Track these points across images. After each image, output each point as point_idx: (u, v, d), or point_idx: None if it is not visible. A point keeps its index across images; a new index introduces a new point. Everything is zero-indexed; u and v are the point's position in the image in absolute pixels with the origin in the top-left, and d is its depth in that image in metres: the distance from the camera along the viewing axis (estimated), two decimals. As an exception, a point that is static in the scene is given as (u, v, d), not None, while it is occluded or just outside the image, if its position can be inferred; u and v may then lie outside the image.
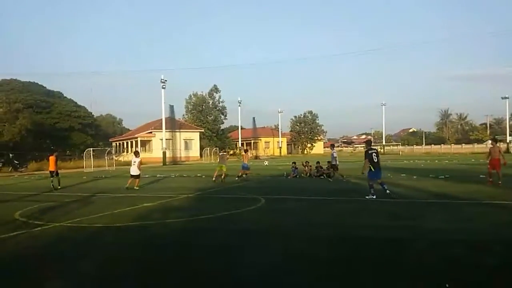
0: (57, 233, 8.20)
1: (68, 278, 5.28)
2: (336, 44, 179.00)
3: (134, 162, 17.69)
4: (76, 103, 64.75)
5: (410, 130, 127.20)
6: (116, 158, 49.44)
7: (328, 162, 20.88)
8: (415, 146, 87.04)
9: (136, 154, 18.66)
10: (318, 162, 21.87)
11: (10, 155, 40.51)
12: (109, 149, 50.67)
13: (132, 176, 17.46)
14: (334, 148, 21.16)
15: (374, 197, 12.10)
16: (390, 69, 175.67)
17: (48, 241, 7.54)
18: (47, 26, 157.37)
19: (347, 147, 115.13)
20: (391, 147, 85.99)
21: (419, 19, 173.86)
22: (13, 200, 14.29)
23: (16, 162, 38.81)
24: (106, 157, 43.25)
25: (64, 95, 66.59)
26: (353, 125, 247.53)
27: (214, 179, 19.92)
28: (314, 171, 21.26)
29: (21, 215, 10.47)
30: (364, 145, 20.07)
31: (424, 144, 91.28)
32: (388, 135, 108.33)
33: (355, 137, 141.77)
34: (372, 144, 13.07)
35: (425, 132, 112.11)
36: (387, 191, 12.17)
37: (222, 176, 20.15)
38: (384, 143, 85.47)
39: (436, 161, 39.82)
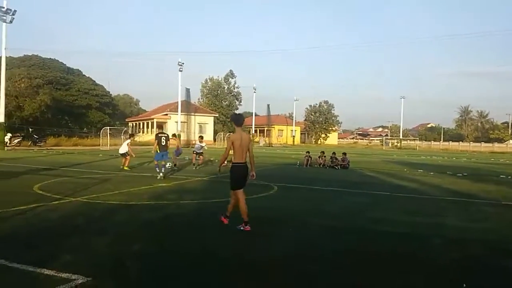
0: (73, 208, 8.33)
1: (82, 252, 5.36)
2: (356, 34, 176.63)
3: (125, 142, 18.59)
4: (94, 81, 65.29)
5: (429, 125, 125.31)
6: (132, 138, 49.85)
7: None
8: (432, 142, 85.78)
9: (130, 136, 20.13)
10: (333, 153, 21.78)
11: (30, 129, 41.24)
12: (125, 128, 51.17)
13: (121, 154, 18.05)
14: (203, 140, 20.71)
15: (161, 174, 13.70)
16: (410, 62, 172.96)
17: (65, 215, 7.66)
18: (68, 3, 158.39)
19: (363, 139, 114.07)
20: (408, 141, 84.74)
21: (443, 12, 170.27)
22: (32, 173, 14.56)
23: (36, 136, 39.49)
24: (122, 136, 43.63)
25: (83, 73, 67.27)
26: (369, 117, 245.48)
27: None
28: (329, 161, 21.16)
29: (40, 188, 10.68)
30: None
31: (442, 140, 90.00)
32: (406, 129, 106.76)
33: (371, 130, 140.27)
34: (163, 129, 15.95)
35: (443, 128, 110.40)
36: (160, 174, 13.70)
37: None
38: (401, 137, 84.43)
39: (454, 158, 39.24)
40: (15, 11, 33.63)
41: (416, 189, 13.28)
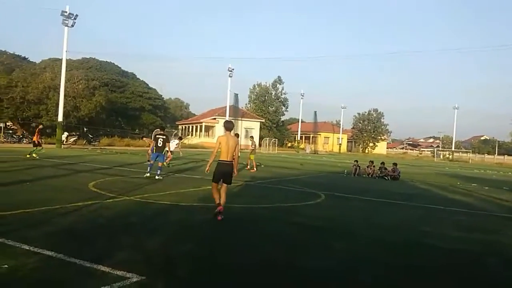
0: (127, 206, 8.61)
1: (136, 251, 5.51)
2: (408, 42, 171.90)
3: (173, 141, 20.34)
4: (147, 85, 67.50)
5: (482, 138, 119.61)
6: (181, 141, 51.04)
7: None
8: (486, 155, 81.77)
9: (180, 139, 21.85)
10: (382, 163, 21.24)
11: (85, 129, 43.21)
12: (176, 131, 52.49)
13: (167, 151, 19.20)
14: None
15: (148, 175, 13.93)
16: (464, 71, 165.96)
17: (118, 213, 7.93)
18: (125, 9, 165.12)
19: (413, 149, 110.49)
20: (460, 154, 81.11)
21: (496, 22, 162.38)
22: (87, 171, 15.22)
23: (90, 136, 41.33)
24: (172, 138, 44.77)
25: (137, 76, 69.72)
26: (420, 127, 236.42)
27: (248, 168, 20.14)
28: (378, 171, 20.64)
29: (95, 186, 11.12)
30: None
31: (496, 154, 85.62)
32: (458, 141, 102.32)
33: (422, 140, 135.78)
34: (165, 130, 15.88)
35: (498, 141, 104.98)
36: (148, 174, 13.98)
37: (248, 166, 20.23)
38: (453, 148, 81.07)
39: (510, 173, 37.16)
40: (76, 15, 35.47)
41: (470, 204, 12.70)
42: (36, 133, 20.77)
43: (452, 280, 5.21)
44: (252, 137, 24.72)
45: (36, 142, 20.34)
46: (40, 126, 22.37)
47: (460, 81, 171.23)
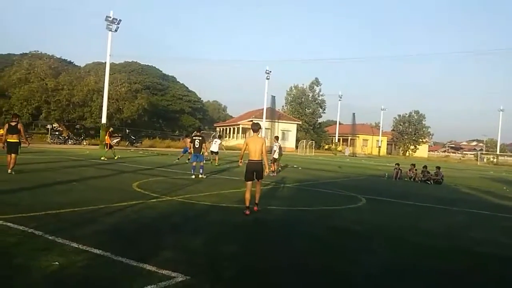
0: (170, 207, 8.79)
1: (180, 250, 5.58)
2: (448, 42, 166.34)
3: (215, 142, 22.07)
4: (187, 88, 68.78)
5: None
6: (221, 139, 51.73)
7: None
8: (533, 159, 77.63)
9: (219, 137, 23.20)
10: (425, 166, 20.62)
11: (127, 131, 44.42)
12: (214, 133, 53.10)
13: (212, 152, 21.23)
14: (278, 141, 19.94)
15: (193, 177, 14.49)
16: (508, 72, 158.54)
17: (162, 213, 8.08)
18: (165, 14, 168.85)
19: (455, 153, 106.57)
20: (506, 157, 77.35)
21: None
22: (131, 172, 15.66)
23: (133, 137, 42.47)
24: (211, 140, 45.34)
25: (177, 79, 71.12)
26: (463, 130, 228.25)
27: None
28: (420, 175, 20.05)
29: (138, 186, 11.39)
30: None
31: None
32: (503, 144, 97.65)
33: (464, 143, 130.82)
34: (201, 132, 16.49)
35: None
36: (193, 176, 14.57)
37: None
38: (498, 152, 77.55)
39: None
40: (120, 20, 36.55)
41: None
42: (107, 136, 22.47)
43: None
44: (277, 137, 24.84)
45: (108, 144, 22.08)
46: (111, 129, 24.32)
47: (506, 83, 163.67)
